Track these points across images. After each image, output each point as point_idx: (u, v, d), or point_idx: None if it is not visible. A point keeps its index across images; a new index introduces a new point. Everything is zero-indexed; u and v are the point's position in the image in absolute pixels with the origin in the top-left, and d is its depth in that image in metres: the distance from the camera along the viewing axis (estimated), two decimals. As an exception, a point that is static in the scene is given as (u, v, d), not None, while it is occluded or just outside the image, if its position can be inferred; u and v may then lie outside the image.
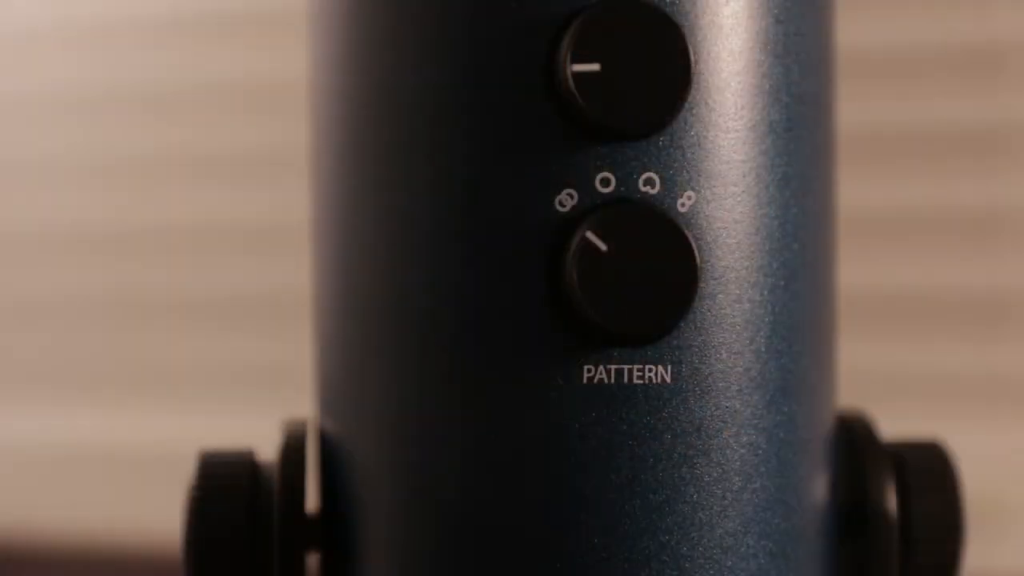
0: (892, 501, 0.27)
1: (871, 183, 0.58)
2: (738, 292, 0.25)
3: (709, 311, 0.25)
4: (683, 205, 0.24)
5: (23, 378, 0.75)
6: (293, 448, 0.28)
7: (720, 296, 0.25)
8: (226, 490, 0.27)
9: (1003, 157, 0.59)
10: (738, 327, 0.25)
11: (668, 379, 0.24)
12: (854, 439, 0.28)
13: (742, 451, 0.25)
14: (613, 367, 0.24)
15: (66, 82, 0.73)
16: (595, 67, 0.23)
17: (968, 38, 0.59)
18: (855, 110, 0.42)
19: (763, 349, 0.25)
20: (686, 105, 0.24)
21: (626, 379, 0.24)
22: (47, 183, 0.73)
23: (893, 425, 0.30)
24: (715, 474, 0.25)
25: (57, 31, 0.73)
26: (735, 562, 0.25)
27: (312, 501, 0.28)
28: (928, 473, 0.28)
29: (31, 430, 0.74)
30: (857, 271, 0.47)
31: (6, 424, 0.75)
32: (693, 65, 0.24)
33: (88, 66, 0.72)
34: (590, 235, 0.23)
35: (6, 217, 0.75)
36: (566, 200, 0.24)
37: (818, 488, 0.26)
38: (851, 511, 0.27)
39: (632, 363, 0.24)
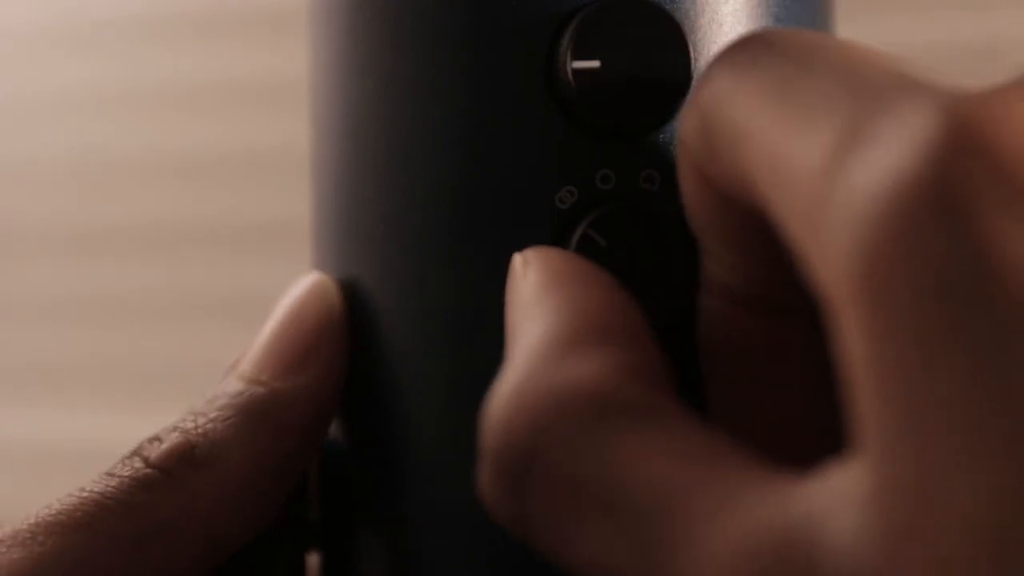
0: None
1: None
2: (738, 289, 0.25)
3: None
4: (683, 202, 0.24)
5: (23, 378, 0.75)
6: None
7: (720, 293, 0.24)
8: None
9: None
10: (739, 324, 0.25)
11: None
12: None
13: None
14: (613, 365, 0.24)
15: (62, 82, 0.73)
16: (595, 64, 0.23)
17: (968, 38, 0.59)
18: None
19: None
20: (686, 102, 0.24)
21: (626, 377, 0.24)
22: (46, 183, 0.73)
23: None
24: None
25: (55, 30, 0.73)
26: None
27: (312, 502, 0.28)
28: None
29: (31, 430, 0.74)
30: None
31: (6, 424, 0.75)
32: (693, 62, 0.24)
33: (87, 66, 0.72)
34: (590, 232, 0.23)
35: (6, 216, 0.75)
36: (566, 197, 0.24)
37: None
38: None
39: (632, 361, 0.24)
